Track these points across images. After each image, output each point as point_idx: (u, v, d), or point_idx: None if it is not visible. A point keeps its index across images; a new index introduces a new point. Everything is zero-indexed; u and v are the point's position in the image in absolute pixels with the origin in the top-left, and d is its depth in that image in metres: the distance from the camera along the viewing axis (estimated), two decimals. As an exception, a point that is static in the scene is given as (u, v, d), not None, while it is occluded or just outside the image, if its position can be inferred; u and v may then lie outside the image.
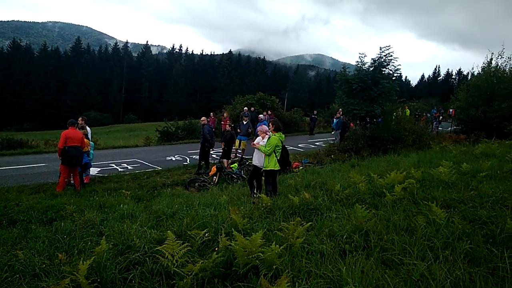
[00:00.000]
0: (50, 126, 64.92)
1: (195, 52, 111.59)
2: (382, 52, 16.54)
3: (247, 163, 12.59)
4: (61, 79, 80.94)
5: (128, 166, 13.28)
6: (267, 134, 7.76)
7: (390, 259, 3.56)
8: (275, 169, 7.37)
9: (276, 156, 7.31)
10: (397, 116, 17.35)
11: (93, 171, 11.36)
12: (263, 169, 7.51)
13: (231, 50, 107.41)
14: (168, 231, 3.93)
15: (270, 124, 7.76)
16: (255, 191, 7.76)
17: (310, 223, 4.41)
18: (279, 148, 7.35)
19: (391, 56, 16.48)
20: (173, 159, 15.21)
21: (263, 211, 5.42)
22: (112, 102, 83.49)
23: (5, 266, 3.74)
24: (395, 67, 16.72)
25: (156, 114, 74.78)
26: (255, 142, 7.87)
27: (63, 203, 6.93)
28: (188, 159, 15.13)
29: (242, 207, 5.62)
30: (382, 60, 16.56)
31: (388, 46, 16.52)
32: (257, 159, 7.75)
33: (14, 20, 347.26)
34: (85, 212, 6.22)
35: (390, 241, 3.90)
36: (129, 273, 3.49)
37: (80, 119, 9.66)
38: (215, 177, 11.08)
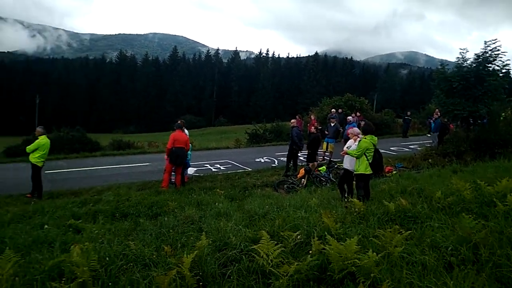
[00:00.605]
0: (151, 129, 71.32)
1: (281, 56, 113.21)
2: (487, 46, 14.86)
3: (336, 166, 12.36)
4: (161, 87, 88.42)
5: (220, 167, 13.97)
6: (358, 137, 7.54)
7: (505, 277, 3.20)
8: (366, 173, 7.10)
9: (367, 160, 7.05)
10: (506, 117, 15.48)
11: (191, 170, 12.17)
12: (354, 172, 7.31)
13: (317, 52, 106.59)
14: (262, 231, 4.04)
15: (360, 126, 7.54)
16: (345, 195, 7.59)
17: (409, 231, 4.17)
18: (370, 151, 7.08)
19: (498, 50, 14.75)
20: (262, 160, 15.59)
21: (356, 216, 5.28)
22: (205, 107, 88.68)
23: (120, 254, 4.19)
24: (503, 62, 14.89)
25: (244, 117, 77.38)
26: (347, 145, 7.72)
27: (165, 199, 7.57)
28: (276, 161, 15.37)
29: (333, 211, 5.54)
30: (488, 55, 14.89)
31: (495, 40, 14.82)
32: (348, 162, 7.57)
33: (120, 34, 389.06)
34: (185, 209, 6.72)
35: (505, 256, 3.50)
36: (227, 269, 3.66)
37: (179, 121, 10.46)
38: (303, 179, 11.08)
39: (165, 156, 10.16)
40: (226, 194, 8.95)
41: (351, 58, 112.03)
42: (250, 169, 13.47)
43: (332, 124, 15.49)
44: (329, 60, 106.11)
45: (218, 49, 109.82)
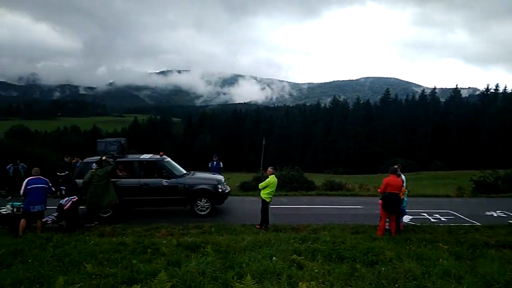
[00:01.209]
0: (359, 171, 71.32)
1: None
2: None
3: None
4: (370, 128, 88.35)
5: (441, 217, 12.54)
6: None
7: None
8: None
9: None
10: None
11: (406, 218, 11.41)
12: None
13: None
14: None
15: None
16: None
17: None
18: None
19: None
20: (494, 214, 13.16)
21: None
22: (418, 149, 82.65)
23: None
24: None
25: (465, 161, 67.80)
26: None
27: (381, 247, 7.28)
28: (515, 216, 12.67)
29: None
30: None
31: None
32: None
33: (334, 81, 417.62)
34: (404, 261, 6.27)
35: None
36: None
37: (396, 166, 10.07)
38: (560, 245, 8.66)
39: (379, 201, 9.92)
40: (450, 250, 7.89)
41: None
42: (478, 224, 11.55)
43: None
44: None
45: (434, 88, 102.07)
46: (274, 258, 6.27)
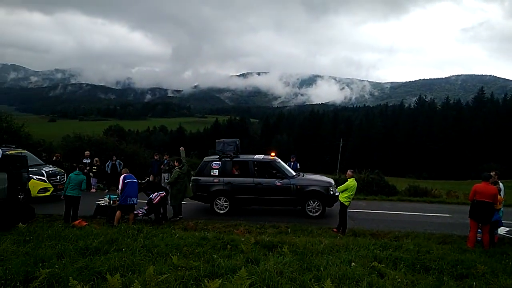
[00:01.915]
0: (446, 176, 65.86)
1: None
2: None
3: None
4: (461, 130, 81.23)
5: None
6: None
7: None
8: None
9: None
10: None
11: (502, 230, 10.32)
12: None
13: None
14: None
15: None
16: None
17: None
18: None
19: None
20: None
21: None
22: (516, 153, 73.82)
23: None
24: None
25: None
26: None
27: (473, 260, 6.69)
28: None
29: None
30: None
31: None
32: None
33: (420, 79, 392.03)
34: (499, 277, 5.70)
35: None
36: None
37: (493, 173, 9.17)
38: None
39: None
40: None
41: None
42: None
43: None
44: None
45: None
46: (353, 263, 6.12)
